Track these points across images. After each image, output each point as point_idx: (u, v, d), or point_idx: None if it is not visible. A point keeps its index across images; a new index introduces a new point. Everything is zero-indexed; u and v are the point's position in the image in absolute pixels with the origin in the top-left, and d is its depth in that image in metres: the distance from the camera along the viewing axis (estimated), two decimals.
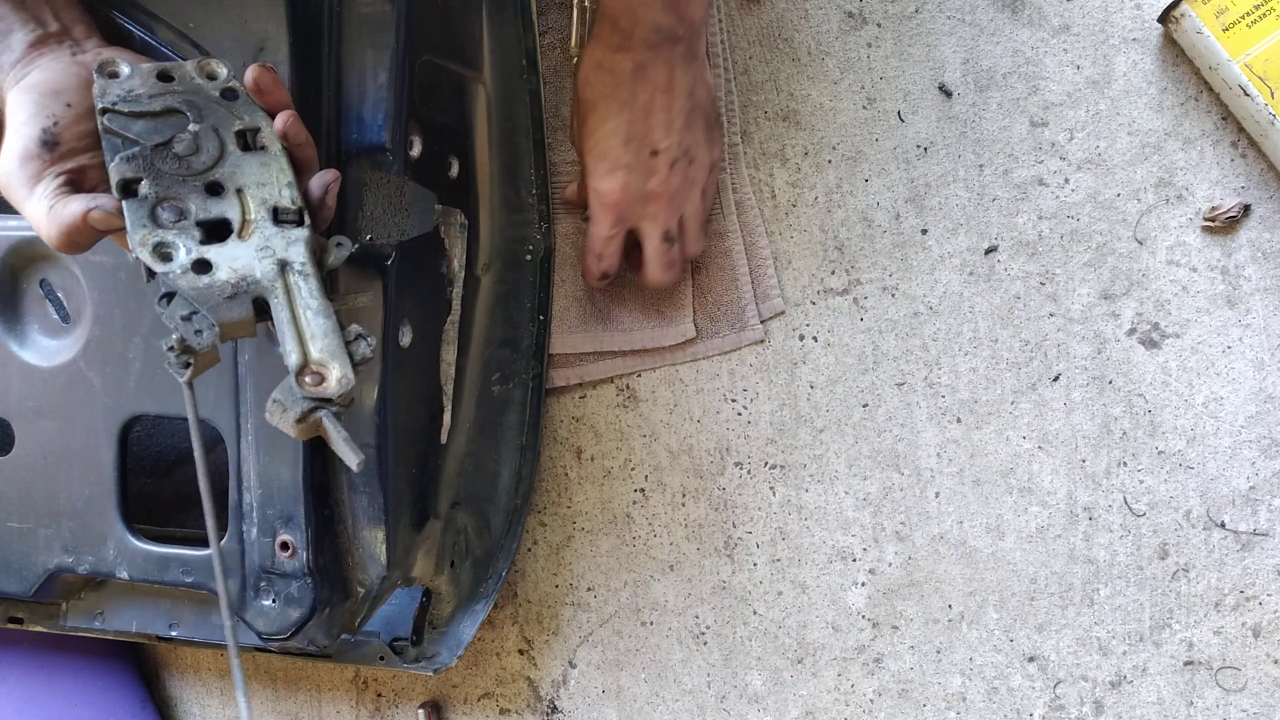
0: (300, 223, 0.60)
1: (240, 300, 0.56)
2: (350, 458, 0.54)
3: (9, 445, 0.82)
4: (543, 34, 0.91)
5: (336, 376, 0.54)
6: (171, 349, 0.54)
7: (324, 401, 0.54)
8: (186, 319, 0.55)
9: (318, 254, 0.59)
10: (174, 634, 0.83)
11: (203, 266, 0.56)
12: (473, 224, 0.86)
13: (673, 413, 0.95)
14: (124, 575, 0.79)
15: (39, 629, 0.90)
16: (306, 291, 0.57)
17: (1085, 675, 0.87)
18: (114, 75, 0.63)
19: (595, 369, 0.96)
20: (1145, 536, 0.85)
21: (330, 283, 0.66)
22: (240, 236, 0.59)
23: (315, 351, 0.55)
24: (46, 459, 0.81)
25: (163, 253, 0.56)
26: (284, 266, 0.58)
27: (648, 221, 0.85)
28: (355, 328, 0.57)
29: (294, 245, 0.58)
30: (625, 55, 0.78)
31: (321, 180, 0.63)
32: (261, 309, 0.57)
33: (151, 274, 0.57)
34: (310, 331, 0.55)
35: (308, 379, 0.54)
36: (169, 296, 0.56)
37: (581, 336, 0.95)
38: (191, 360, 0.55)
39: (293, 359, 0.54)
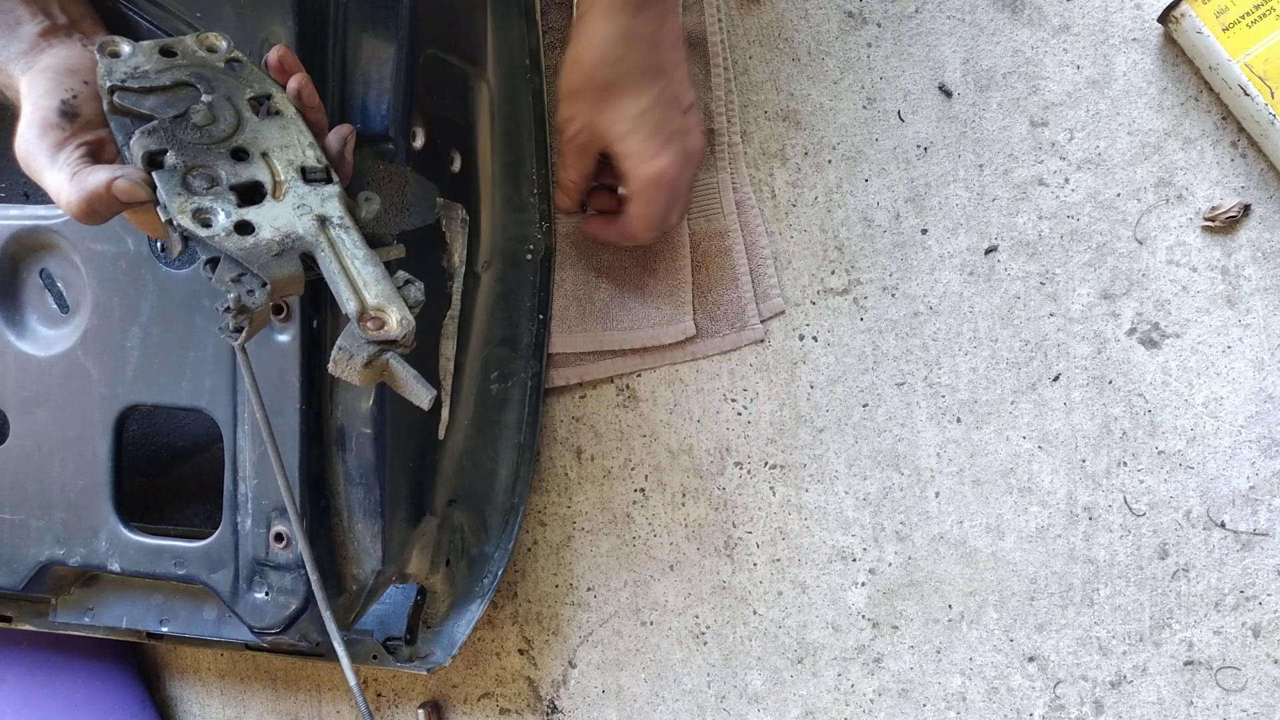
0: (329, 180, 0.59)
1: (288, 257, 0.55)
2: (422, 395, 0.54)
3: (4, 436, 0.78)
4: (544, 33, 0.87)
5: (397, 319, 0.53)
6: (227, 310, 0.53)
7: (388, 344, 0.53)
8: (237, 280, 0.54)
9: (351, 209, 0.59)
10: (165, 630, 0.78)
11: (245, 228, 0.56)
12: (474, 220, 0.82)
13: (673, 413, 0.90)
14: (115, 568, 0.74)
15: (27, 626, 0.84)
16: (350, 243, 0.57)
17: (1085, 675, 0.82)
18: (115, 54, 0.61)
19: (595, 369, 0.91)
20: (1145, 536, 0.80)
21: None
22: (274, 197, 0.58)
23: (371, 298, 0.54)
24: (41, 450, 0.76)
25: (203, 218, 0.55)
26: (323, 222, 0.57)
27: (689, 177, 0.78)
28: (402, 274, 0.57)
29: (328, 201, 0.58)
30: (647, 13, 0.69)
31: (339, 135, 0.62)
32: (307, 264, 0.56)
33: (184, 246, 0.56)
34: (362, 279, 0.55)
35: (369, 324, 0.53)
36: (213, 262, 0.55)
37: (581, 336, 0.90)
38: (245, 322, 0.54)
39: (351, 307, 0.53)
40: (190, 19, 0.69)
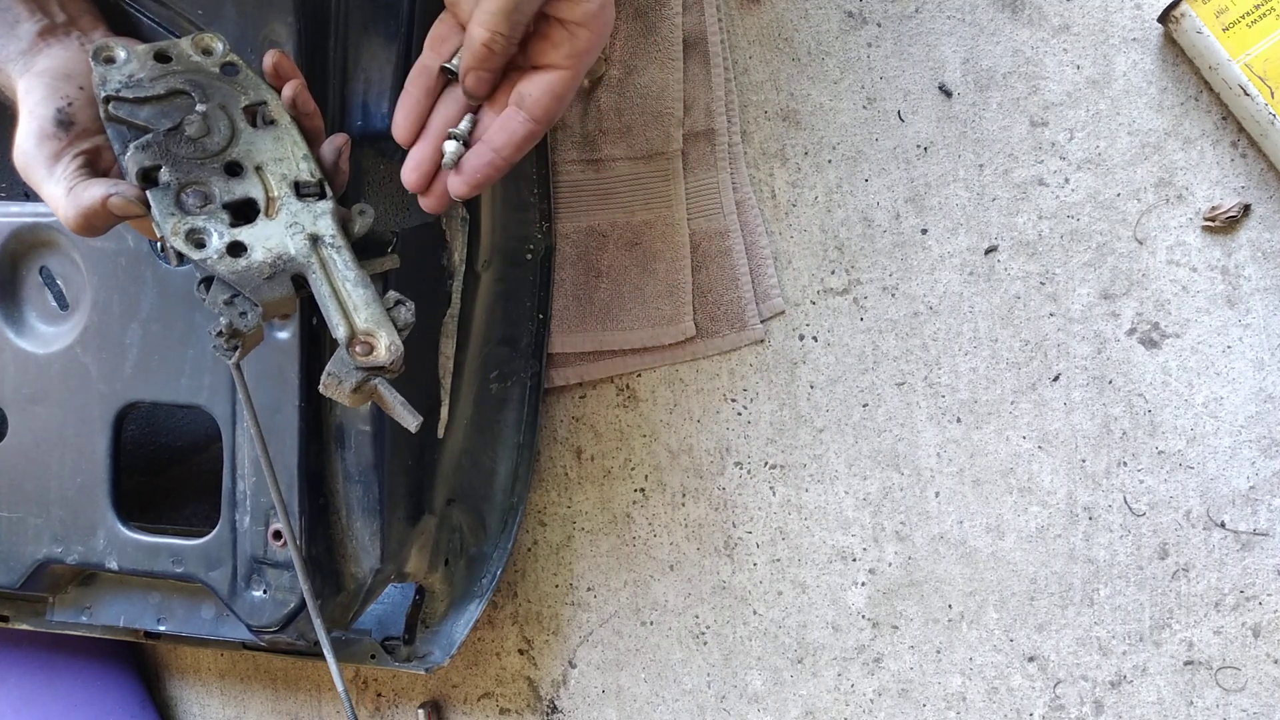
0: (322, 194, 0.58)
1: (279, 279, 0.54)
2: (409, 420, 0.53)
3: (2, 433, 0.77)
4: None
5: (385, 344, 0.53)
6: (220, 334, 0.53)
7: (376, 370, 0.52)
8: (229, 303, 0.53)
9: (344, 224, 0.58)
10: (162, 629, 0.77)
11: (237, 249, 0.55)
12: (474, 219, 0.81)
13: (673, 413, 0.89)
14: (113, 565, 0.73)
15: (24, 626, 0.83)
16: (341, 263, 0.55)
17: (1085, 675, 0.81)
18: (110, 60, 0.60)
19: (595, 368, 0.90)
20: (1145, 536, 0.79)
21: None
22: (267, 215, 0.57)
23: (360, 322, 0.53)
24: (39, 447, 0.75)
25: (196, 239, 0.54)
26: (315, 240, 0.56)
27: None
28: (393, 294, 0.55)
29: (321, 218, 0.57)
30: None
31: (333, 145, 0.61)
32: (299, 284, 0.55)
33: (181, 259, 0.55)
34: (352, 303, 0.54)
35: (358, 349, 0.52)
36: (207, 282, 0.54)
37: (581, 336, 0.89)
38: (239, 343, 0.54)
39: (340, 332, 0.52)
40: (191, 16, 0.68)
